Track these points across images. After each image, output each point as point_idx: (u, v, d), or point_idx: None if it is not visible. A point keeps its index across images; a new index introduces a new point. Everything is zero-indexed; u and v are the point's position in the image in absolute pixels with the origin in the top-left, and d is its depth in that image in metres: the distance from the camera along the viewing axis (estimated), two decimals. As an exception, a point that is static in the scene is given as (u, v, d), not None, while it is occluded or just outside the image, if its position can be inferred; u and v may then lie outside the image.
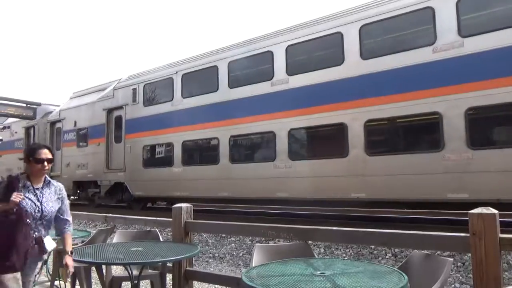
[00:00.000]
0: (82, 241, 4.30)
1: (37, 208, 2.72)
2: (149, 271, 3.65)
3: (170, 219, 4.09)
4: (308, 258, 2.80)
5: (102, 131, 12.83)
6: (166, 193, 10.99)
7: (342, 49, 7.94)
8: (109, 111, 12.84)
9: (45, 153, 2.79)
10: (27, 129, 16.33)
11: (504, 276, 3.28)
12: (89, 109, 13.55)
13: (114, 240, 3.99)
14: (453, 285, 4.42)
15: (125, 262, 2.92)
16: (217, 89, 10.01)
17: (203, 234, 7.19)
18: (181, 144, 10.62)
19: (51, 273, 4.45)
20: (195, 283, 4.04)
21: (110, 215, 9.23)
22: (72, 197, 17.46)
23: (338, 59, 8.00)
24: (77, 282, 3.89)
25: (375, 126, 7.54)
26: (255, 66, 9.55)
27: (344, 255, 5.77)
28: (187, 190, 10.37)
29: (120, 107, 12.48)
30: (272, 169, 8.70)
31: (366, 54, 7.70)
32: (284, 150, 8.59)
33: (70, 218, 3.00)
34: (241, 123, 9.42)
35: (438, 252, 4.07)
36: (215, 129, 9.92)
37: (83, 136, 13.62)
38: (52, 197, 2.84)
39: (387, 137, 7.71)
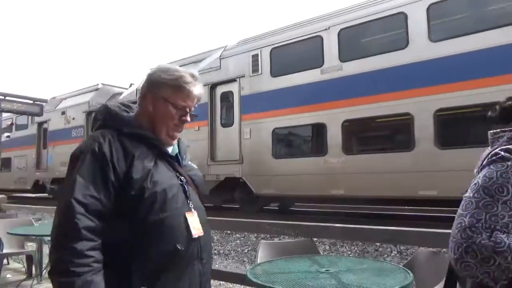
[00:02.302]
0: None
1: None
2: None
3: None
4: (313, 255, 2.71)
5: (203, 112, 9.87)
6: (315, 191, 8.06)
7: None
8: (213, 86, 9.91)
9: None
10: (89, 114, 13.51)
11: (510, 274, 2.36)
12: (182, 86, 10.66)
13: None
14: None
15: None
16: (407, 44, 7.09)
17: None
18: (341, 124, 7.70)
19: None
20: (198, 279, 4.05)
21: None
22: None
23: None
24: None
25: None
26: (481, 6, 6.60)
27: (349, 252, 5.73)
28: (353, 188, 7.46)
29: (232, 80, 9.55)
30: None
31: None
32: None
33: None
34: (456, 91, 6.48)
35: (444, 249, 3.66)
36: (405, 102, 6.95)
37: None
38: None
39: None
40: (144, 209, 1.20)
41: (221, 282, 4.17)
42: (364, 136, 7.83)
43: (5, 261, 5.08)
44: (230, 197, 9.53)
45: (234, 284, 4.12)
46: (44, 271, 4.57)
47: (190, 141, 10.16)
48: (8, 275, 4.84)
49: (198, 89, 1.40)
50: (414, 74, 6.89)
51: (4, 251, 4.51)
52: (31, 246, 5.23)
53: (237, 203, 9.66)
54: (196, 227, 1.34)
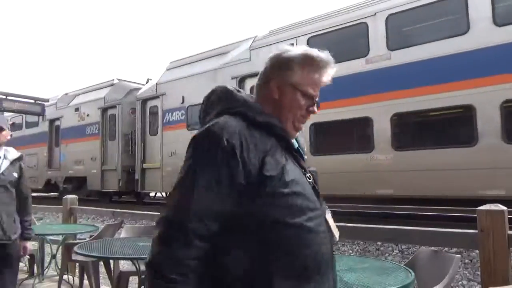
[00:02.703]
0: (90, 236, 4.22)
1: None
2: (157, 265, 3.22)
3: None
4: None
5: (231, 107, 9.36)
6: (359, 191, 7.44)
7: None
8: (242, 79, 9.34)
9: None
10: (105, 111, 12.94)
11: (512, 273, 2.65)
12: (207, 79, 10.05)
13: (122, 235, 4.00)
14: (460, 282, 4.28)
15: (132, 257, 2.86)
16: (468, 29, 6.48)
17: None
18: (390, 118, 7.09)
19: (60, 267, 4.40)
20: (202, 278, 4.18)
21: (118, 210, 8.31)
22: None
23: None
24: (85, 276, 3.85)
25: None
26: None
27: (351, 251, 5.66)
28: (403, 188, 6.83)
29: (263, 73, 9.00)
30: None
31: None
32: None
33: None
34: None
35: (446, 248, 3.97)
36: (466, 93, 6.30)
37: (197, 116, 10.16)
38: None
39: None
40: (281, 211, 1.02)
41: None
42: (417, 130, 7.19)
43: (6, 260, 5.15)
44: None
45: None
46: (46, 270, 4.60)
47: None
48: (10, 274, 4.92)
49: (328, 77, 1.24)
50: (477, 62, 6.28)
51: (6, 250, 4.56)
52: (32, 245, 5.47)
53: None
54: (335, 229, 1.21)
